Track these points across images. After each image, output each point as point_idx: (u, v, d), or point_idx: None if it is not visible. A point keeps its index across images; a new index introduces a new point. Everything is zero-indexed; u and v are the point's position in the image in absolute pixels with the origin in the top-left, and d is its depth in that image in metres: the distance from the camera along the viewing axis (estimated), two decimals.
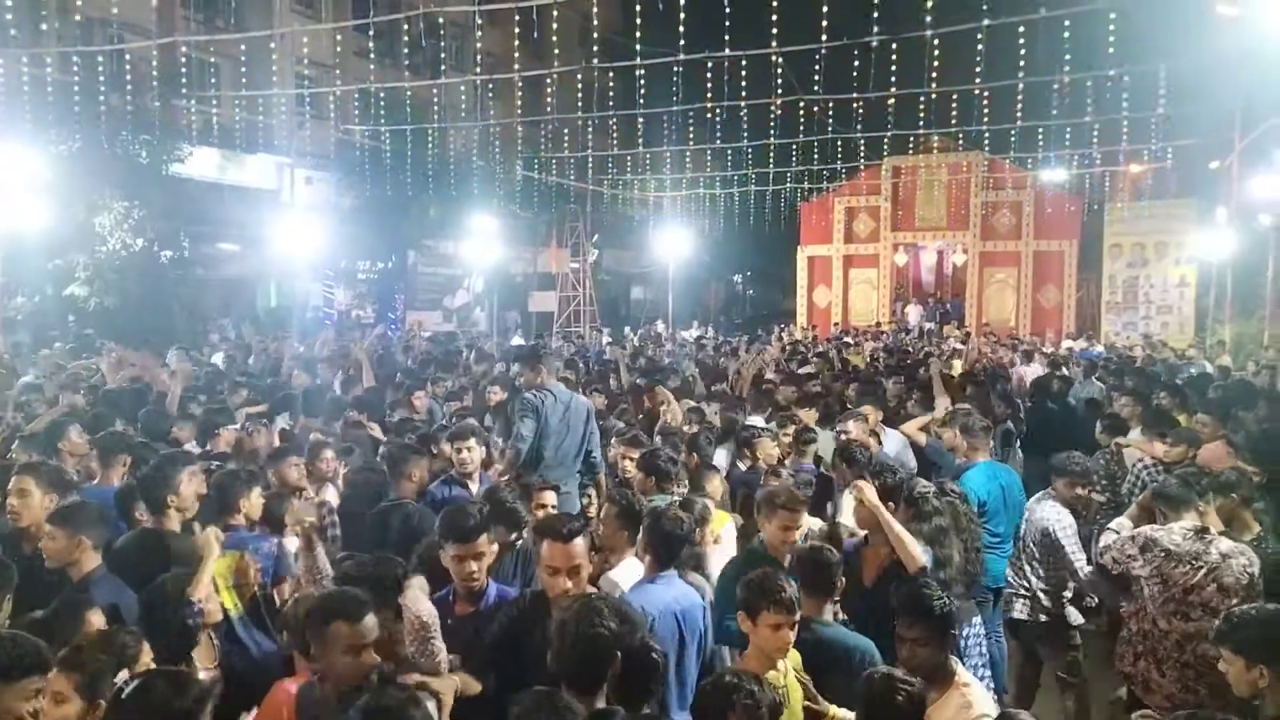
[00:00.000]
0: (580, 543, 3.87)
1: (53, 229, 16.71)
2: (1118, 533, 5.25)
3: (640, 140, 19.71)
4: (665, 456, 6.36)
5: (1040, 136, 22.73)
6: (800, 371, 13.75)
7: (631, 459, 6.69)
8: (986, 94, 18.64)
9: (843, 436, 7.78)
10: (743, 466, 7.46)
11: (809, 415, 9.31)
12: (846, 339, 22.61)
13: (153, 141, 18.85)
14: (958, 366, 15.26)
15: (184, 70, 18.55)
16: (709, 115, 18.27)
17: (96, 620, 3.88)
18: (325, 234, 23.13)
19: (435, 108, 19.91)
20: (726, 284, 43.58)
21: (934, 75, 17.08)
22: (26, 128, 15.44)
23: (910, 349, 19.52)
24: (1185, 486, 5.30)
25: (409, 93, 18.12)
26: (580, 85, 19.25)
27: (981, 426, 7.21)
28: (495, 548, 4.32)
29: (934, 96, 19.03)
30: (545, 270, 33.60)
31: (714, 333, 27.96)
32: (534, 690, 2.96)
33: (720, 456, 7.84)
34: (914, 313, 30.22)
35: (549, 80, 19.01)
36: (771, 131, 19.23)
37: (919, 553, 4.70)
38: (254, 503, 5.33)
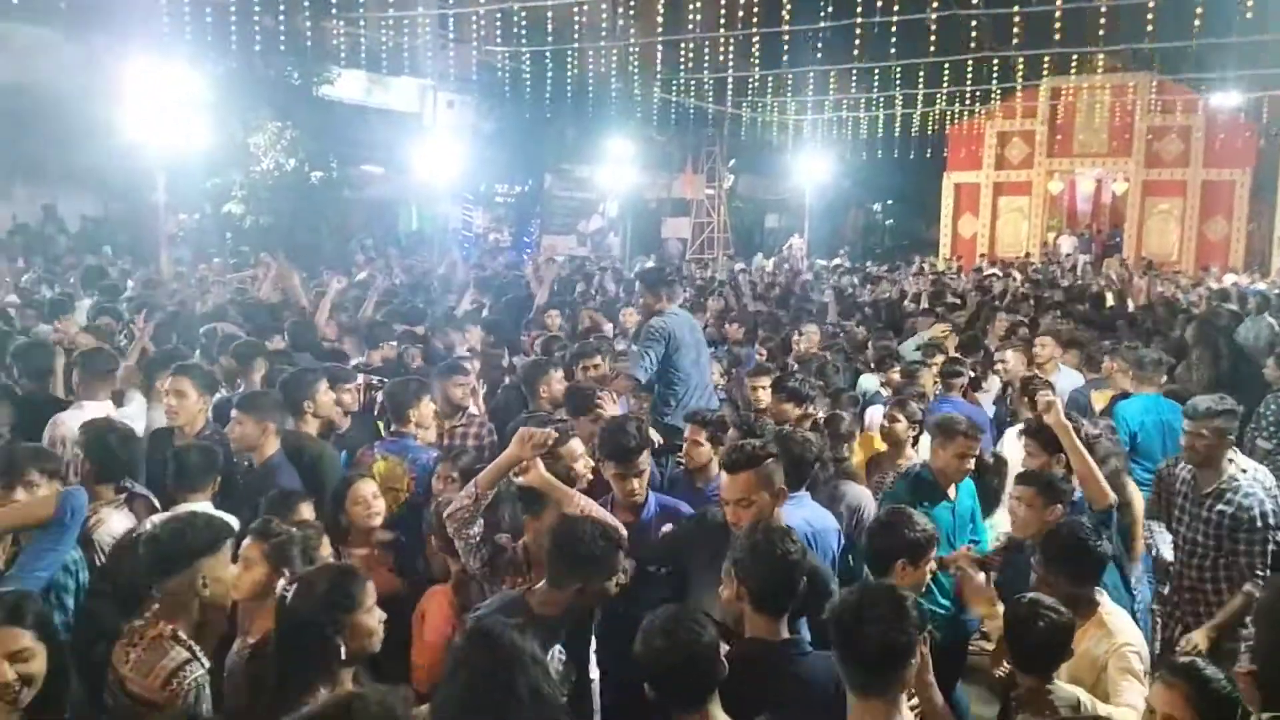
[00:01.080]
0: (747, 475, 3.70)
1: (211, 148, 17.37)
2: None
3: (784, 60, 19.04)
4: (799, 379, 6.27)
5: (1216, 56, 21.01)
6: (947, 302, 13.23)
7: (763, 388, 6.58)
8: (1156, 9, 17.26)
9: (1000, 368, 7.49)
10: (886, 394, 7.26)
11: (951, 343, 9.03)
12: (995, 270, 21.63)
13: (304, 63, 19.32)
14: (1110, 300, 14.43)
15: None
16: (855, 32, 17.49)
17: (307, 512, 4.13)
18: (465, 157, 23.39)
19: (575, 28, 19.71)
20: (866, 212, 42.29)
21: None
22: (187, 49, 15.96)
23: (1063, 283, 18.51)
24: None
25: (549, 13, 17.91)
26: (723, 2, 18.70)
27: (1152, 360, 6.82)
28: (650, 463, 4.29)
29: (1102, 10, 17.79)
30: (679, 196, 33.27)
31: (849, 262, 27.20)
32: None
33: (872, 383, 7.65)
34: (1066, 243, 28.71)
35: None
36: (930, 48, 18.24)
37: (1107, 488, 4.40)
38: (424, 412, 5.44)
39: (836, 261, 26.05)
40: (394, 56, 21.21)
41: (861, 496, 5.12)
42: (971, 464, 4.95)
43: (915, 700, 2.91)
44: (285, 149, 19.18)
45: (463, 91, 25.52)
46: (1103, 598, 3.70)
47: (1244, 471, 4.95)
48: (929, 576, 3.86)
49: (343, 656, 2.87)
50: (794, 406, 6.06)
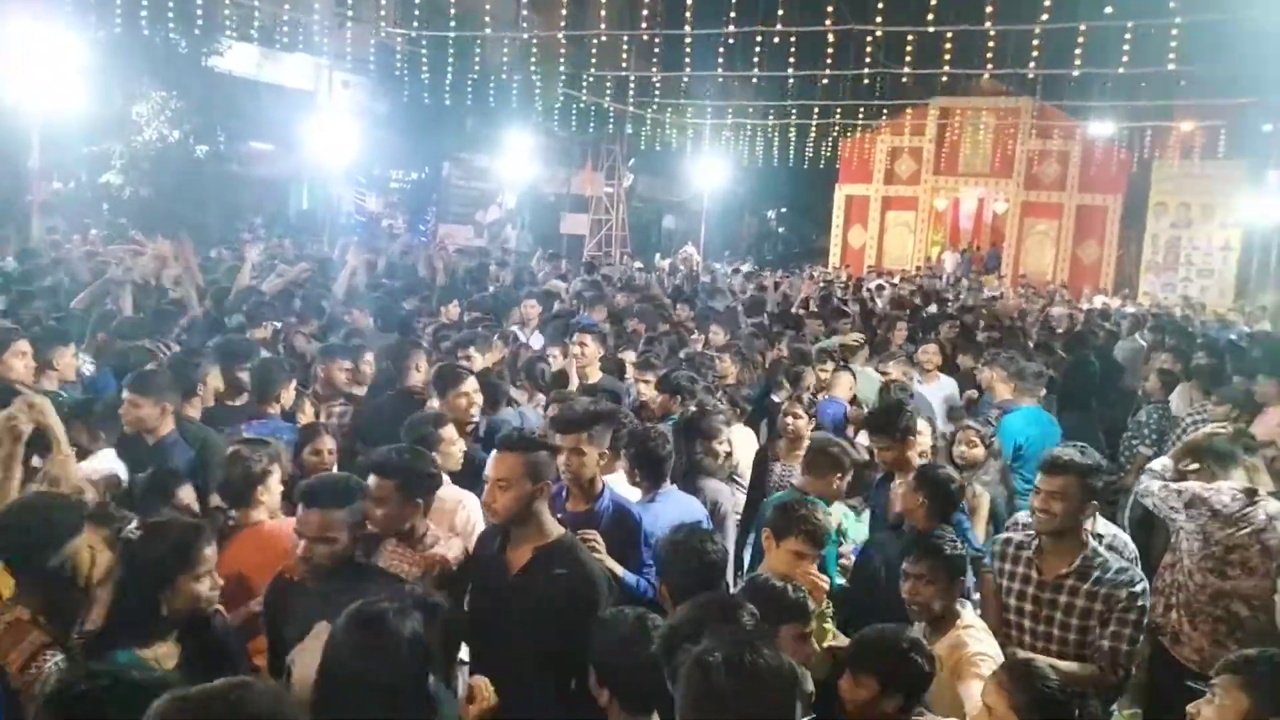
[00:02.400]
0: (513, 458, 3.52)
1: (90, 115, 16.59)
2: (1163, 477, 5.10)
3: (686, 64, 19.22)
4: (685, 376, 6.37)
5: (1093, 86, 22.11)
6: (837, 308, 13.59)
7: (645, 382, 6.65)
8: (1043, 37, 18.08)
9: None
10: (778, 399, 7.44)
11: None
12: (881, 281, 22.30)
13: (193, 32, 18.60)
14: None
15: None
16: (756, 42, 17.81)
17: (187, 496, 4.05)
18: (360, 139, 22.88)
19: (479, 16, 19.50)
20: (760, 219, 43.06)
21: (990, 13, 16.58)
22: (68, 9, 15.21)
23: (945, 296, 19.23)
24: (1235, 442, 5.18)
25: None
26: (627, 2, 18.80)
27: (1034, 373, 7.16)
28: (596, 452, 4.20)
29: (990, 36, 18.48)
30: (579, 193, 33.27)
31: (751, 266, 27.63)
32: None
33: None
34: (950, 260, 29.78)
35: None
36: (828, 61, 18.68)
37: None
38: (290, 394, 5.39)
39: (748, 268, 26.28)
40: (289, 32, 20.62)
41: (720, 491, 5.18)
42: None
43: None
44: (170, 120, 18.44)
45: (360, 72, 24.96)
46: (965, 610, 3.79)
47: (1100, 538, 4.21)
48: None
49: (163, 614, 2.84)
50: (671, 401, 6.16)
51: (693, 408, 5.85)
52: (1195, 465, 5.12)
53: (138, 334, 6.56)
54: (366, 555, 3.62)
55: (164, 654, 2.91)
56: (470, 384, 5.30)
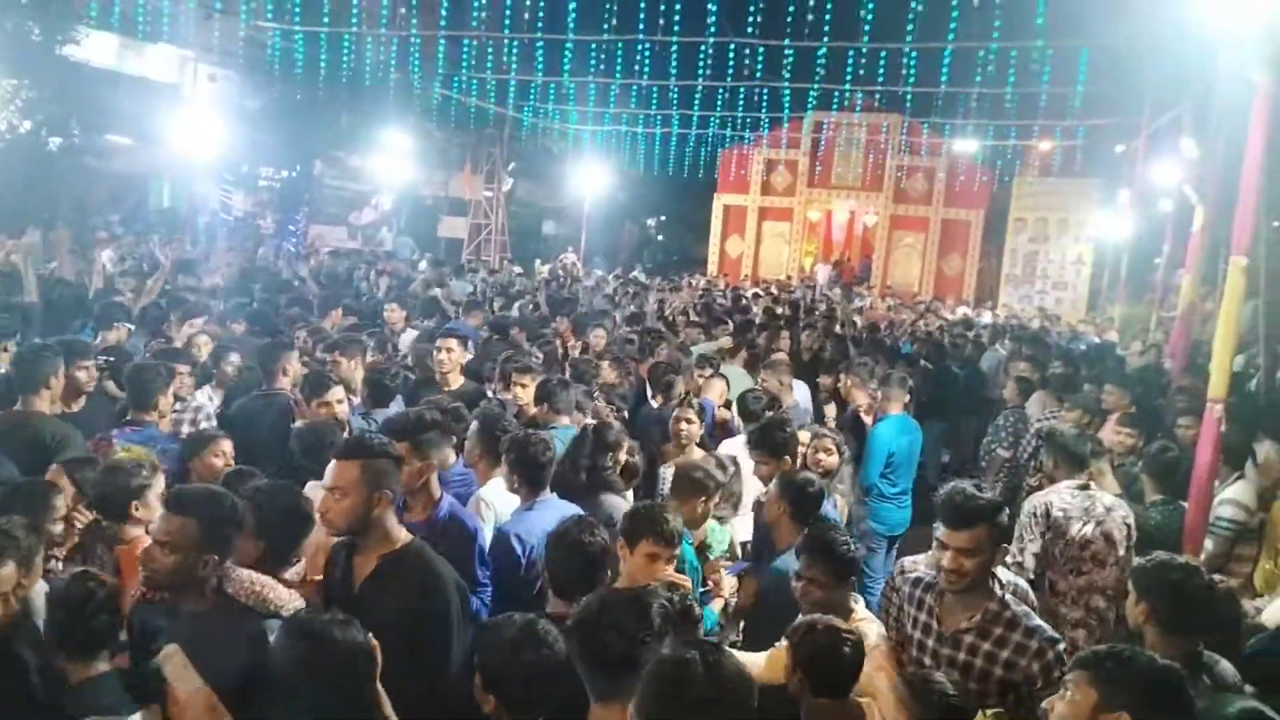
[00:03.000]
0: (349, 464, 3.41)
1: None
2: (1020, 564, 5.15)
3: (567, 68, 19.24)
4: (558, 381, 6.27)
5: (959, 104, 23.07)
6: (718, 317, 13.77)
7: (524, 385, 6.50)
8: (913, 56, 18.79)
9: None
10: (655, 404, 7.46)
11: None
12: (757, 290, 22.72)
13: (47, 19, 17.58)
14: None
15: None
16: (637, 49, 17.96)
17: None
18: (226, 136, 22.01)
19: (353, 12, 19.08)
20: (640, 226, 43.34)
21: (865, 31, 17.13)
22: None
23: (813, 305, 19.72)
24: (1080, 442, 5.46)
25: None
26: (508, 3, 18.68)
27: (898, 380, 7.38)
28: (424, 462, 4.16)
29: (864, 53, 19.09)
30: (457, 195, 32.83)
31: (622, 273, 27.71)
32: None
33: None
34: (822, 272, 30.56)
35: None
36: (701, 72, 19.00)
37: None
38: (169, 401, 5.30)
39: (635, 274, 26.13)
40: (151, 21, 19.74)
41: (618, 507, 5.14)
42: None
43: None
44: (20, 110, 17.38)
45: (226, 66, 24.05)
46: (858, 604, 3.79)
47: (1003, 585, 3.51)
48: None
49: None
50: (552, 410, 6.02)
51: (588, 418, 5.81)
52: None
53: None
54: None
55: None
56: (335, 393, 5.16)
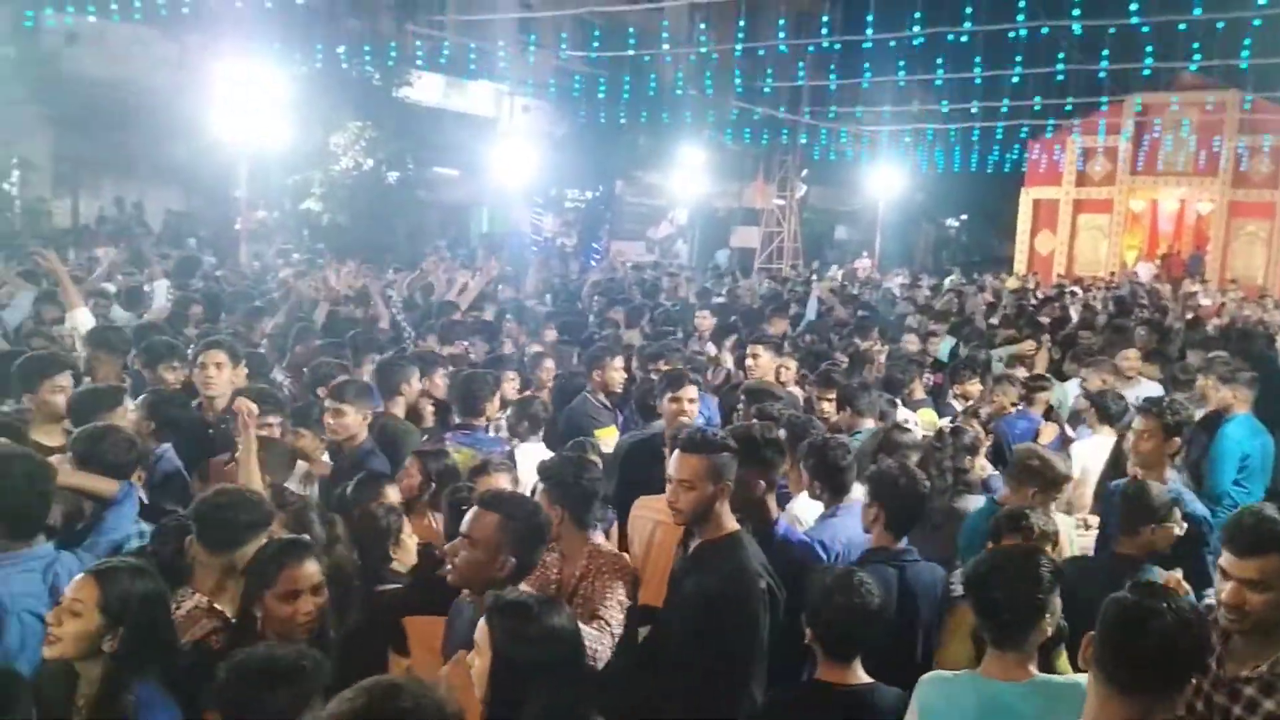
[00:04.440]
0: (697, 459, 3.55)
1: (292, 146, 17.68)
2: None
3: (865, 70, 18.78)
4: (858, 385, 6.27)
5: None
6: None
7: (829, 400, 6.40)
8: (1255, 24, 16.73)
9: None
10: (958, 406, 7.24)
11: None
12: (1073, 288, 21.08)
13: (386, 65, 19.57)
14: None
15: None
16: (937, 43, 17.20)
17: (392, 495, 4.20)
18: (537, 162, 23.53)
19: (653, 36, 19.71)
20: (937, 226, 41.69)
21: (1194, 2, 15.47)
22: (275, 49, 16.24)
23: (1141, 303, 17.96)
24: None
25: (628, 20, 17.96)
26: (798, 12, 18.54)
27: (1248, 378, 6.56)
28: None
29: (1193, 27, 17.24)
30: (749, 205, 33.08)
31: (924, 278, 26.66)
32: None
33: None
34: (1144, 270, 27.85)
35: (769, 5, 18.43)
36: (1015, 60, 17.88)
37: None
38: (496, 406, 5.66)
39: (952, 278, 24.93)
40: (477, 60, 21.44)
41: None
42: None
43: None
44: (364, 149, 19.45)
45: (538, 96, 25.70)
46: None
47: None
48: None
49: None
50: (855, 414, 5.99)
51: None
52: None
53: (331, 350, 6.95)
54: None
55: None
56: (689, 391, 5.27)
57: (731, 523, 3.56)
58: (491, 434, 5.71)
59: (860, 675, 3.11)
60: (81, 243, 16.61)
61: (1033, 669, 2.78)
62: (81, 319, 6.90)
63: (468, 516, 3.18)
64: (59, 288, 7.54)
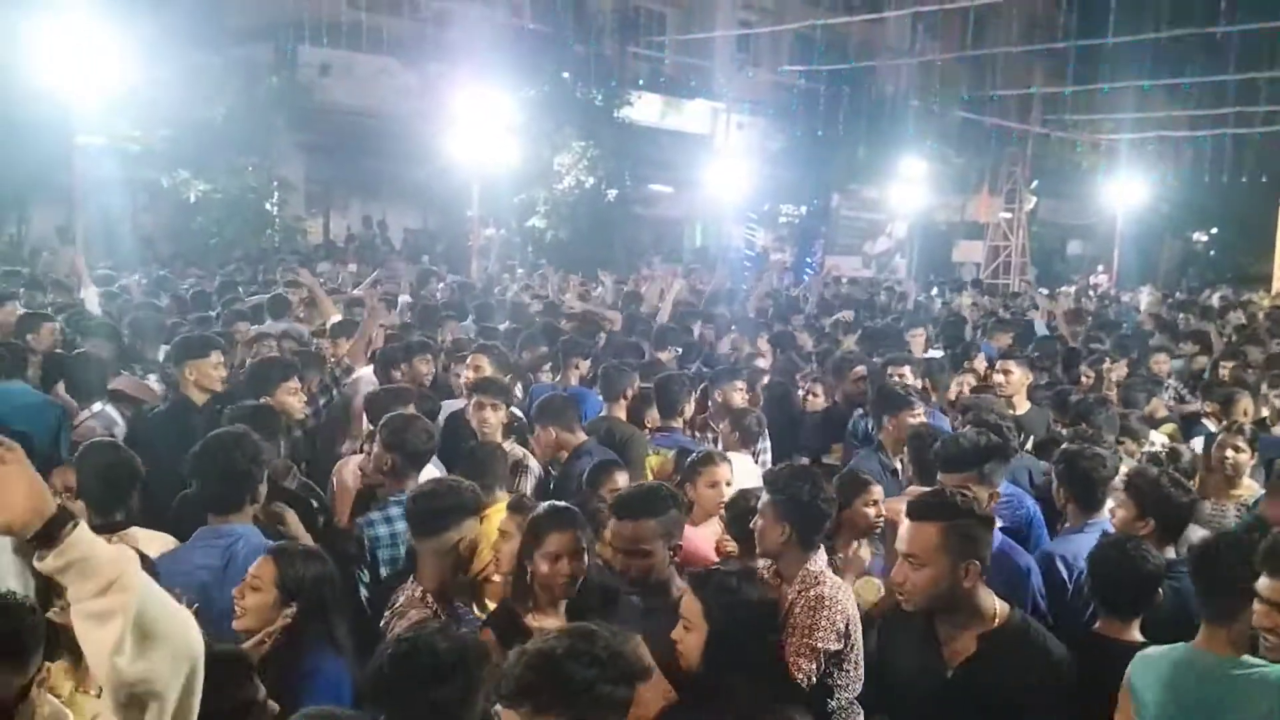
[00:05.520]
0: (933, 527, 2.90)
1: (519, 167, 18.54)
2: None
3: (1108, 74, 17.62)
4: (1095, 400, 6.06)
5: None
6: None
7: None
8: None
9: None
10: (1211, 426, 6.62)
11: None
12: None
13: (608, 87, 20.23)
14: None
15: (637, 19, 19.74)
16: (1192, 45, 15.95)
17: (621, 479, 4.35)
18: (751, 177, 23.56)
19: (874, 47, 19.34)
20: (1184, 241, 38.57)
21: None
22: (506, 74, 17.10)
23: None
24: None
25: (849, 31, 17.71)
26: (1029, 15, 17.67)
27: None
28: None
29: None
30: (972, 219, 31.76)
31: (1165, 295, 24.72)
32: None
33: None
34: None
35: (997, 11, 17.67)
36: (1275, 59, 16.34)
37: None
38: (691, 407, 5.99)
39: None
40: (696, 79, 21.77)
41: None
42: None
43: None
44: (586, 168, 20.15)
45: (754, 112, 25.75)
46: None
47: None
48: None
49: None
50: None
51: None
52: None
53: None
54: None
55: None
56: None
57: (997, 603, 2.94)
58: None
59: (1136, 635, 3.33)
60: (332, 257, 18.07)
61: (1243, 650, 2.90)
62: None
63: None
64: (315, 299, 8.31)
